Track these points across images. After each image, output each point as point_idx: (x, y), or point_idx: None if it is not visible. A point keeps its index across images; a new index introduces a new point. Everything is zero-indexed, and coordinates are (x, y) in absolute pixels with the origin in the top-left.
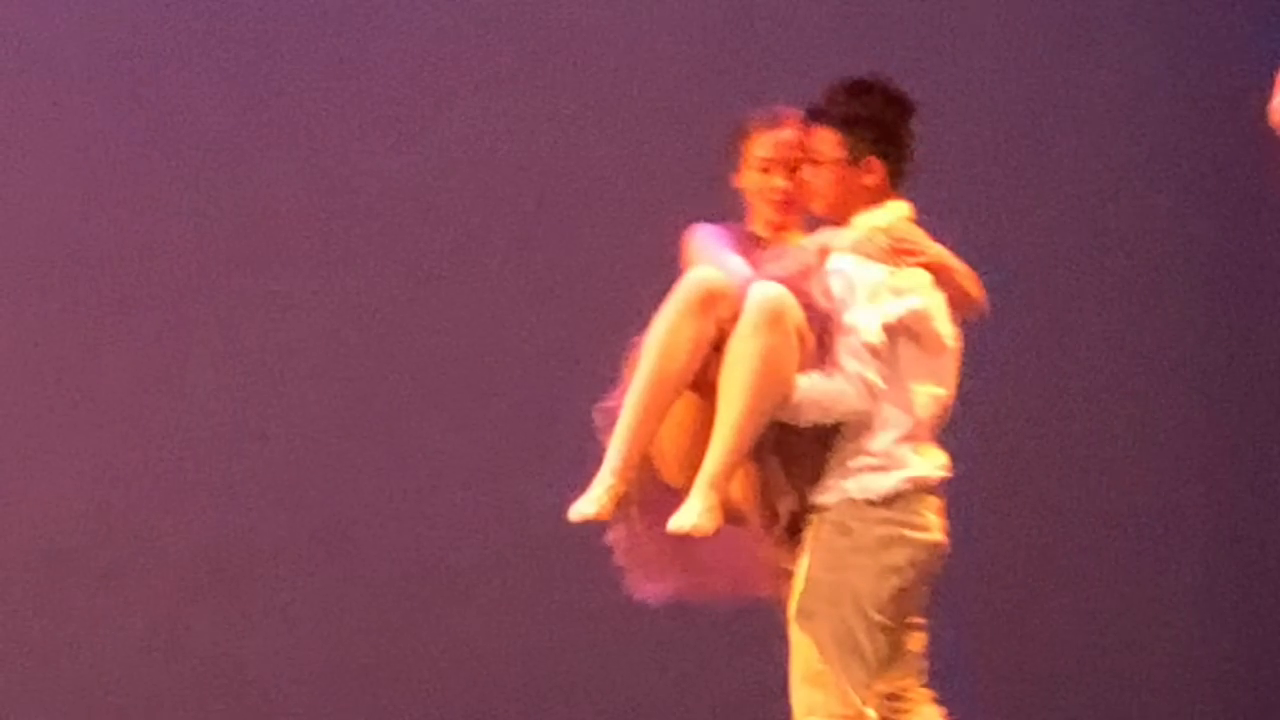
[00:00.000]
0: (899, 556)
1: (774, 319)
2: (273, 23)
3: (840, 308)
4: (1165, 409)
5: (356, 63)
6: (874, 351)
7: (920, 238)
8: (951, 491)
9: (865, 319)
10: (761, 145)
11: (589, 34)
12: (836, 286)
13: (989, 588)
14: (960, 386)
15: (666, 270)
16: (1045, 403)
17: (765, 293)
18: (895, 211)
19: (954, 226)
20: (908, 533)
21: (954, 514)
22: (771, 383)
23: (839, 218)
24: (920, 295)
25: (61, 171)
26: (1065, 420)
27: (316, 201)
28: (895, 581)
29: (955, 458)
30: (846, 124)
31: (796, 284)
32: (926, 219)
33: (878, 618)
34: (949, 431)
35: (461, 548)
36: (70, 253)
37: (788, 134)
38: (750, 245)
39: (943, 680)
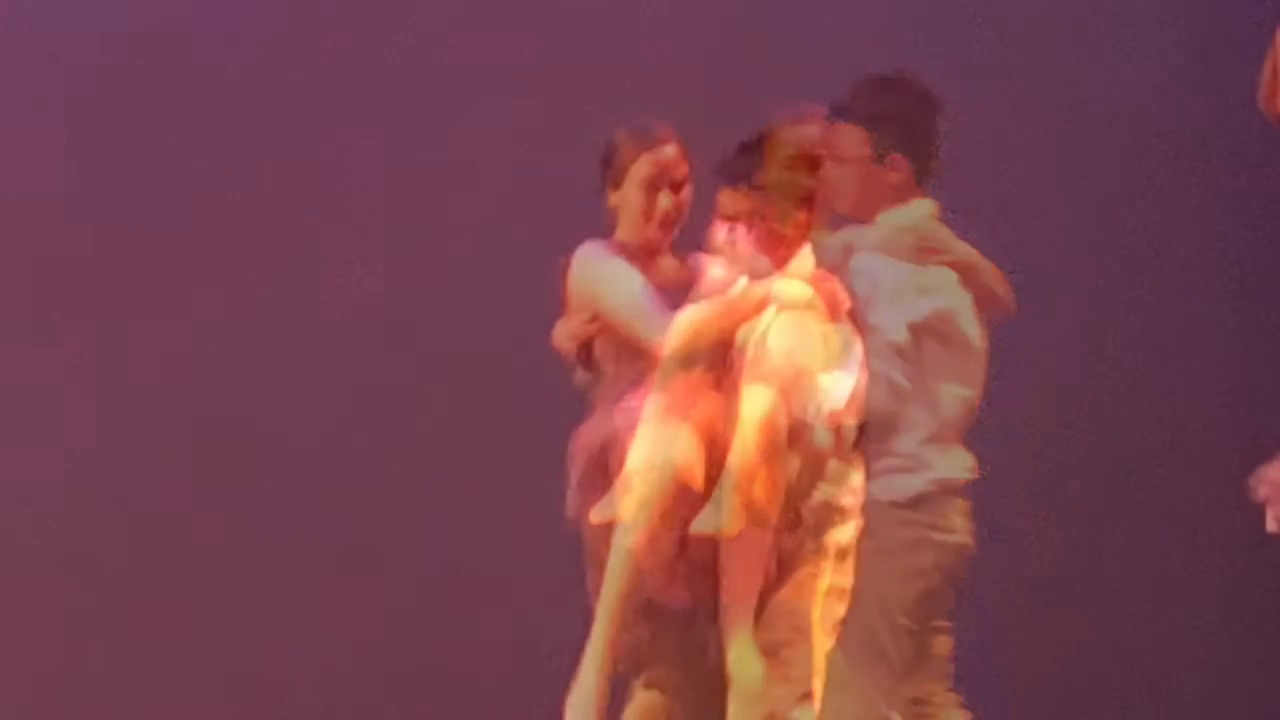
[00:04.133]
0: (925, 559)
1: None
2: (290, 19)
3: (865, 307)
4: (1193, 410)
5: (372, 60)
6: (899, 351)
7: (946, 236)
8: (977, 493)
9: (890, 319)
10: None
11: (610, 32)
12: (861, 286)
13: (1015, 591)
14: (986, 387)
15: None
16: (1072, 403)
17: (790, 291)
18: (920, 210)
19: (980, 225)
20: (933, 535)
21: (980, 516)
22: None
23: (863, 216)
24: (946, 295)
25: (73, 168)
26: (1092, 421)
27: (334, 200)
28: (921, 584)
29: (981, 459)
30: (871, 121)
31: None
32: (952, 217)
33: (903, 621)
34: (975, 433)
35: (482, 549)
36: (86, 251)
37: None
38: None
39: (969, 684)
